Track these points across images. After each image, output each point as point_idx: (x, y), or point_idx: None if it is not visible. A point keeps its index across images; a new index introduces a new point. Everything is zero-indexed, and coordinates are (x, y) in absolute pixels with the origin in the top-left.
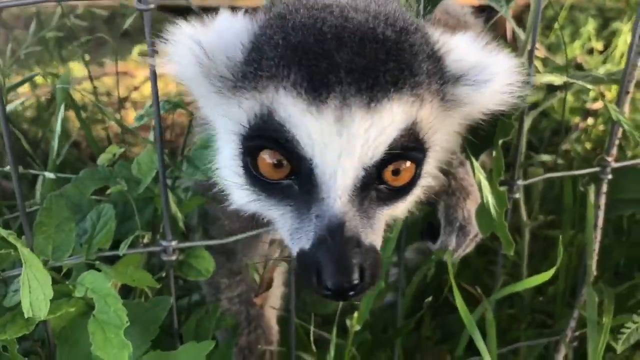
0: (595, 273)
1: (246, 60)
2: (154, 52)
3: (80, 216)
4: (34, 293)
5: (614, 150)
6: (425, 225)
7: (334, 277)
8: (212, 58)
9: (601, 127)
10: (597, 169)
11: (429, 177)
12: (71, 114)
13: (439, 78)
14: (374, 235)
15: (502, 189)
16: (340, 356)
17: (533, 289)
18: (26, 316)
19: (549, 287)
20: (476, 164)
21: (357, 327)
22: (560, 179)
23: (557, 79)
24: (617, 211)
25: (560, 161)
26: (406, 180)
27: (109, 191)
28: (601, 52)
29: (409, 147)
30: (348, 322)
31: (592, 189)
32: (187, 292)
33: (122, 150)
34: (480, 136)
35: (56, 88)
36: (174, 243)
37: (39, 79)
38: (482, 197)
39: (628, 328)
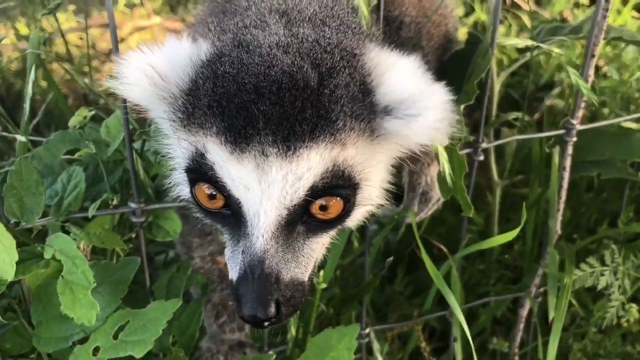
0: (559, 232)
1: (187, 94)
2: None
3: (52, 178)
4: (0, 256)
5: (579, 113)
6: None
7: (249, 310)
8: (165, 80)
9: None
10: (562, 131)
11: (374, 198)
12: (56, 67)
13: (366, 115)
14: (298, 269)
15: (466, 151)
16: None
17: (501, 247)
18: None
19: (516, 245)
20: None
21: (324, 285)
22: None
23: (520, 42)
24: (583, 172)
25: (528, 118)
26: (335, 214)
27: (77, 154)
28: (589, 6)
29: (334, 185)
30: (315, 279)
31: (557, 151)
32: (165, 250)
33: (93, 112)
34: None
35: (27, 52)
36: (142, 205)
37: (22, 28)
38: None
39: (584, 270)
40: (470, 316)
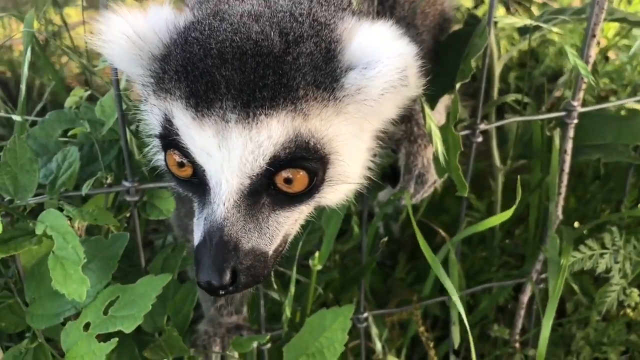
0: (560, 217)
1: (159, 59)
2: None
3: (47, 157)
4: None
5: (580, 95)
6: (389, 168)
7: (204, 276)
8: (143, 41)
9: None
10: (563, 113)
11: (350, 176)
12: (70, 63)
13: (329, 84)
14: (261, 239)
15: (465, 133)
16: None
17: (504, 232)
18: None
19: (517, 231)
20: (427, 110)
21: (319, 266)
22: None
23: (519, 21)
24: (585, 156)
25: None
26: (301, 188)
27: (71, 132)
28: None
29: (298, 157)
30: (310, 262)
31: (557, 134)
32: (163, 233)
33: (88, 92)
34: (440, 80)
35: (23, 32)
36: (135, 184)
37: (35, 24)
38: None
39: (583, 253)
40: (473, 304)
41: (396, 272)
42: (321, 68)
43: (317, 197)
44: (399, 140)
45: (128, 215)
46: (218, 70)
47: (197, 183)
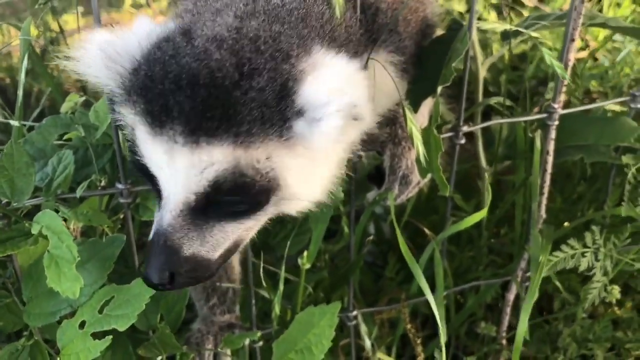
0: (544, 216)
1: (130, 72)
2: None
3: (44, 161)
4: None
5: (561, 97)
6: (374, 169)
7: (147, 273)
8: (118, 59)
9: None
10: (544, 115)
11: (302, 197)
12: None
13: (277, 120)
14: (203, 247)
15: (448, 135)
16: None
17: (490, 232)
18: None
19: (502, 230)
20: (408, 113)
21: (307, 265)
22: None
23: (499, 26)
24: (567, 156)
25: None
26: (243, 209)
27: (66, 136)
28: (590, 0)
29: (239, 184)
30: (299, 260)
31: (539, 135)
32: None
33: (84, 98)
34: (422, 84)
35: (20, 39)
36: (128, 186)
37: (32, 30)
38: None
39: (565, 252)
40: (462, 302)
41: (386, 271)
42: (270, 105)
43: (263, 215)
44: (383, 143)
45: (122, 216)
46: (172, 94)
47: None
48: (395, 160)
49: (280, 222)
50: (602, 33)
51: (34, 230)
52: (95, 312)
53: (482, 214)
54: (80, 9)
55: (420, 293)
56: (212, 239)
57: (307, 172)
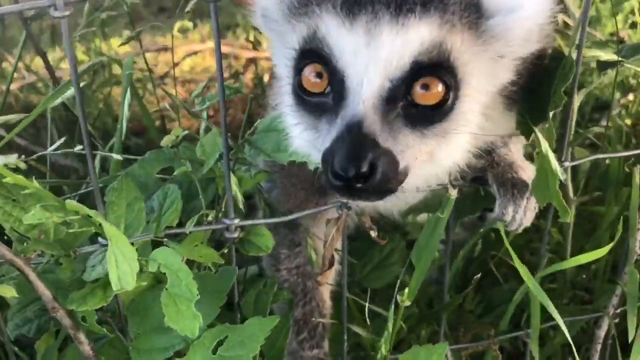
0: (639, 252)
1: None
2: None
3: (146, 195)
4: (121, 267)
5: None
6: (480, 211)
7: (342, 162)
8: None
9: None
10: None
11: (470, 119)
12: (114, 90)
13: (473, 10)
14: (395, 147)
15: None
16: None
17: (576, 266)
18: (114, 289)
19: (594, 265)
20: (537, 132)
21: (408, 303)
22: None
23: (603, 55)
24: None
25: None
26: (435, 100)
27: (176, 172)
28: None
29: (437, 62)
30: (399, 297)
31: (637, 170)
32: (244, 265)
33: (186, 132)
34: (531, 112)
35: (122, 74)
36: (236, 221)
37: (80, 55)
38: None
39: None
40: (540, 338)
41: (465, 304)
42: None
43: (444, 124)
44: (482, 169)
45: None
46: None
47: (327, 102)
48: (500, 175)
49: (365, 254)
50: None
51: (152, 268)
52: (208, 352)
53: (603, 251)
54: (126, 32)
55: (508, 330)
56: (400, 143)
57: (479, 87)
